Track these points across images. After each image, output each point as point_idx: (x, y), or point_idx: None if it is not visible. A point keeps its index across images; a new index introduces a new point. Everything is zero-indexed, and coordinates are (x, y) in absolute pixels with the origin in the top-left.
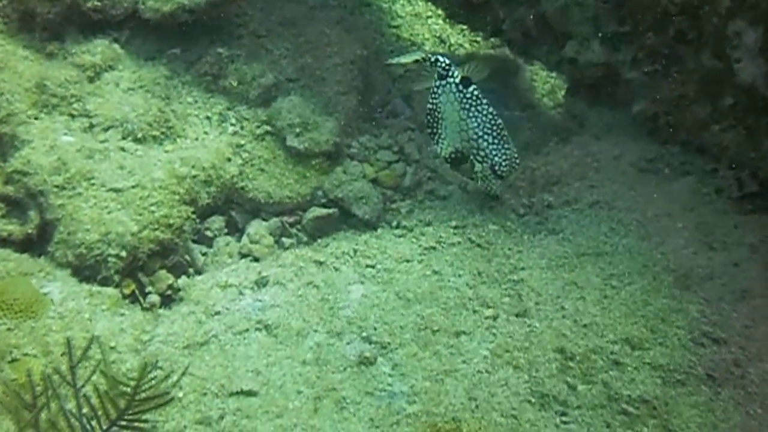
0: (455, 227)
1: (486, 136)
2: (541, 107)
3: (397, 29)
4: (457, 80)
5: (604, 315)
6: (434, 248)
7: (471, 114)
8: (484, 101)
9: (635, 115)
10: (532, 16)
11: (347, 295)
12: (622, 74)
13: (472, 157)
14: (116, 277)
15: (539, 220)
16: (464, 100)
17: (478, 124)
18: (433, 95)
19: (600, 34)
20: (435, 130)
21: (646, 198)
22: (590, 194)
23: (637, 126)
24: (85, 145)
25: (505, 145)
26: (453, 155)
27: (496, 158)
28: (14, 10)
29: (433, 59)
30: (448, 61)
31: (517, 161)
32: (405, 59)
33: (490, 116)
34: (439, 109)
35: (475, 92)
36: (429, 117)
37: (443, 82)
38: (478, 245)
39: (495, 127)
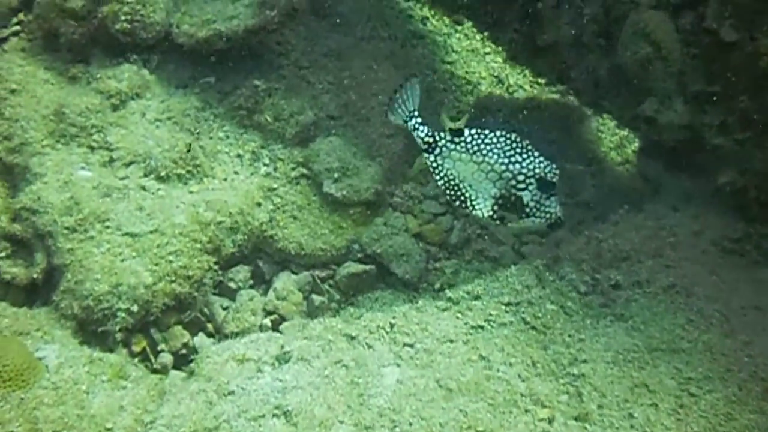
0: (507, 304)
1: (514, 158)
2: (608, 162)
3: (451, 66)
4: (448, 138)
5: (679, 428)
6: (482, 327)
7: (485, 152)
8: (487, 132)
9: (720, 187)
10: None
11: (380, 379)
12: (708, 139)
13: (514, 193)
14: (119, 336)
15: (604, 302)
16: (470, 148)
17: (499, 155)
18: (435, 171)
19: (685, 93)
20: (463, 198)
21: (731, 285)
22: (665, 276)
23: (722, 199)
24: (103, 181)
25: (536, 154)
26: (497, 207)
27: (537, 169)
28: (39, 28)
29: (412, 126)
30: (427, 132)
31: (556, 168)
32: (395, 116)
33: (503, 139)
34: (452, 176)
35: (473, 131)
36: (448, 191)
37: (436, 152)
38: (533, 328)
39: (516, 145)
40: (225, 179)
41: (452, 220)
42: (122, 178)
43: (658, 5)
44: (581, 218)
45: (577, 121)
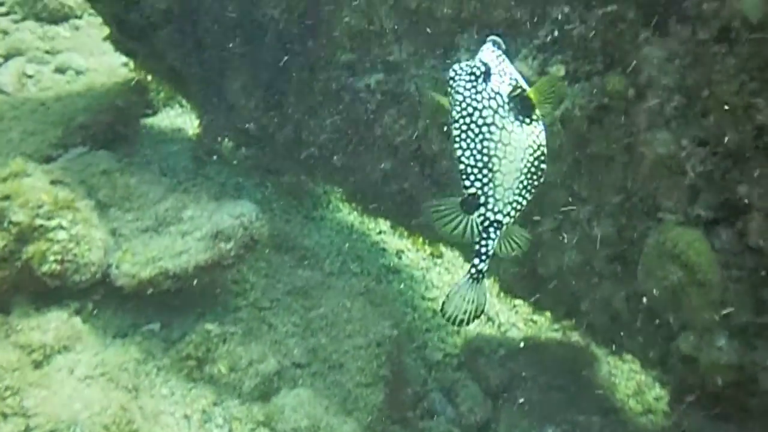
0: None
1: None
2: (627, 412)
3: (432, 302)
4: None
5: None
6: None
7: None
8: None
9: None
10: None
11: None
12: (762, 381)
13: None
14: None
15: None
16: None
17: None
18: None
19: (729, 326)
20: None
21: None
22: None
23: None
24: None
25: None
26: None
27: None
28: None
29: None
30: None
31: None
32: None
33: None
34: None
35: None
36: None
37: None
38: None
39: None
40: None
41: None
42: None
43: (686, 221)
44: None
45: (585, 364)
